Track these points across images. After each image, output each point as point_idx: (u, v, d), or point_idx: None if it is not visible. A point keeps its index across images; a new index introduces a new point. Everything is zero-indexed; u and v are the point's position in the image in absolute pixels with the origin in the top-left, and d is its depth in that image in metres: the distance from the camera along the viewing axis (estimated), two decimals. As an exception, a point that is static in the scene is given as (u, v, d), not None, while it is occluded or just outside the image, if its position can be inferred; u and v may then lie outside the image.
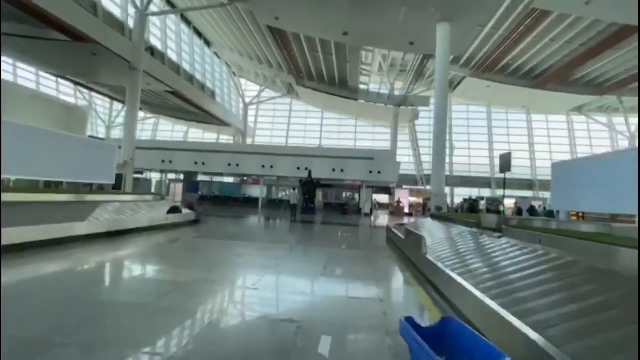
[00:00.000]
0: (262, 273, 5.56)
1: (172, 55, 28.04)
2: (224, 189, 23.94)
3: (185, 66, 30.14)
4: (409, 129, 37.13)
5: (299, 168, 20.25)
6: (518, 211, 14.03)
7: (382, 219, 20.89)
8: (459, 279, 3.73)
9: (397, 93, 32.28)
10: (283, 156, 20.89)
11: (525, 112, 37.76)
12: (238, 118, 37.41)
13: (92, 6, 17.82)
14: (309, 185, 18.49)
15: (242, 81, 38.89)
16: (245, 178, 26.57)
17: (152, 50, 24.23)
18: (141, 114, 40.63)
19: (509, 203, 24.74)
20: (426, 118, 38.12)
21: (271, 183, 25.37)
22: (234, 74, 38.08)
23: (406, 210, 24.13)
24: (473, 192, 33.06)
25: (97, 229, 7.48)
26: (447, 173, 21.36)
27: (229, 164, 20.86)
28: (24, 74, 30.72)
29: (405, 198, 24.81)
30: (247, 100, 36.66)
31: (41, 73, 31.72)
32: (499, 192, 34.69)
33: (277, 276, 5.52)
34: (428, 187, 34.44)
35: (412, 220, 20.39)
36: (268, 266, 6.06)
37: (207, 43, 33.97)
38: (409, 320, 2.34)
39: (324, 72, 30.10)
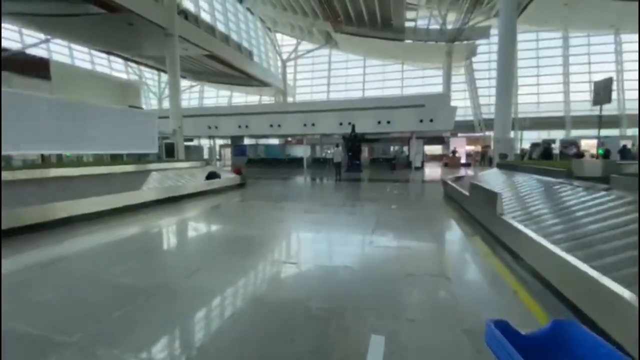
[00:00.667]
0: (297, 252, 4.91)
1: (205, 17, 27.12)
2: (269, 151, 23.78)
3: (220, 27, 29.14)
4: (465, 67, 32.84)
5: (341, 124, 18.98)
6: (605, 154, 11.52)
7: (436, 172, 19.19)
8: (568, 257, 2.61)
9: (449, 27, 28.13)
10: (324, 112, 19.67)
11: (613, 33, 30.90)
12: (277, 77, 36.21)
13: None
14: (352, 141, 17.29)
15: (278, 36, 36.98)
16: (289, 139, 26.12)
17: (185, 14, 23.51)
18: (186, 83, 41.56)
19: (590, 145, 21.08)
20: (485, 53, 33.31)
21: (314, 142, 24.58)
22: (268, 29, 36.22)
23: (463, 161, 21.89)
24: (542, 135, 28.95)
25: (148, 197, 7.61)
26: (512, 115, 18.43)
27: (271, 125, 20.30)
28: (78, 55, 32.46)
29: (462, 147, 22.39)
30: (284, 56, 34.96)
31: (93, 52, 33.30)
32: (575, 133, 30.02)
33: (315, 252, 4.73)
34: (488, 133, 30.99)
35: (470, 171, 18.40)
36: (304, 239, 5.41)
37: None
38: (501, 325, 1.46)
39: (363, 12, 27.01)
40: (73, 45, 31.06)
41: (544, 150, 13.06)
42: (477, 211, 5.45)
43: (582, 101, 31.58)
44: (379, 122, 18.67)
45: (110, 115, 9.54)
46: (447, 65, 30.97)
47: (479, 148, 26.64)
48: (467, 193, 6.32)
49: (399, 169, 19.48)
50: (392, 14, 26.84)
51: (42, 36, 25.49)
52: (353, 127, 17.62)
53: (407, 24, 29.12)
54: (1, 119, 7.22)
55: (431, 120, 18.08)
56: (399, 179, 14.20)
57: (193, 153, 26.67)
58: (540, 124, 30.86)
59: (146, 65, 34.73)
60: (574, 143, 21.31)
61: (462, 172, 18.27)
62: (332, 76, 36.71)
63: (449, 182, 8.46)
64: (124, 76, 37.76)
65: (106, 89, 33.42)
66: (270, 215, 6.88)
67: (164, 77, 41.23)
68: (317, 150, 24.04)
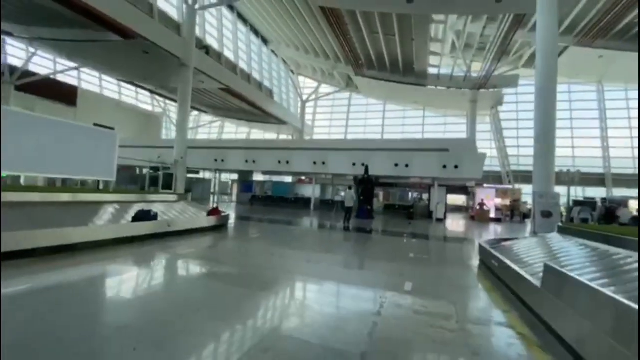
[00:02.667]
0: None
1: (229, 55, 27.16)
2: (276, 189, 21.83)
3: (243, 65, 29.13)
4: (491, 116, 30.75)
5: (354, 164, 16.87)
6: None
7: (460, 226, 16.26)
8: None
9: (474, 75, 26.61)
10: (336, 151, 17.73)
11: (654, 86, 28.27)
12: (296, 117, 35.52)
13: (141, 3, 17.08)
14: (365, 184, 14.99)
15: (301, 79, 36.92)
16: (302, 177, 24.22)
17: (207, 49, 23.36)
18: (208, 118, 41.89)
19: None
20: (512, 103, 31.34)
21: (325, 182, 22.50)
22: (292, 72, 36.34)
23: (492, 215, 18.85)
24: (578, 192, 25.62)
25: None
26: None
27: (279, 162, 18.50)
28: (107, 86, 33.24)
29: (491, 199, 19.49)
30: (305, 97, 34.42)
31: (122, 85, 34.11)
32: (618, 192, 26.44)
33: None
34: (517, 186, 27.83)
35: (501, 228, 15.34)
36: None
37: (265, 42, 32.70)
38: None
39: (385, 56, 26.12)
40: (104, 77, 31.83)
41: (607, 212, 10.15)
42: (567, 324, 2.85)
43: (622, 158, 28.38)
44: (396, 165, 16.39)
45: (59, 129, 7.80)
46: (472, 112, 29.04)
47: (507, 201, 23.47)
48: (534, 281, 3.71)
49: (417, 219, 16.73)
50: (414, 58, 25.77)
51: (68, 64, 26.02)
52: (366, 168, 15.41)
53: (430, 71, 27.91)
54: (1, 138, 6.24)
55: (456, 167, 15.61)
56: (416, 232, 11.51)
57: (198, 186, 25.14)
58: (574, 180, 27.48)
59: (172, 99, 35.28)
60: (621, 203, 17.95)
61: (492, 228, 15.27)
62: (351, 119, 35.58)
63: (490, 250, 5.82)
64: (149, 108, 38.47)
65: (129, 118, 33.69)
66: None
67: (192, 112, 41.95)
68: (328, 191, 21.79)
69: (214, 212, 8.71)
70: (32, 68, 25.35)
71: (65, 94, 28.21)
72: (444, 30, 25.46)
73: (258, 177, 24.76)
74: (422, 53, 24.95)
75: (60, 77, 28.57)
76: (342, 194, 12.50)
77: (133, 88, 34.78)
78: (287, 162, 18.49)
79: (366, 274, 5.78)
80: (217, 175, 22.29)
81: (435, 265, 6.40)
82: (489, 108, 30.59)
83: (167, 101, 36.89)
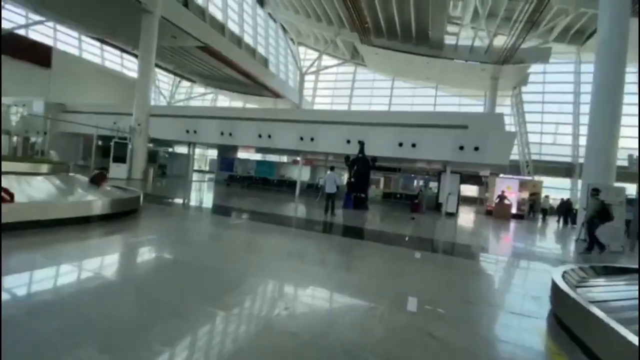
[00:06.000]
0: None
1: (215, 12, 23.26)
2: (260, 169, 18.50)
3: (233, 27, 25.24)
4: (512, 97, 26.59)
5: (349, 141, 13.39)
6: None
7: (477, 224, 12.84)
8: None
9: (497, 47, 22.40)
10: (328, 124, 14.21)
11: None
12: (295, 91, 31.73)
13: None
14: (359, 165, 11.53)
15: (302, 50, 32.81)
16: (297, 158, 20.73)
17: (185, 1, 19.56)
18: (201, 89, 38.22)
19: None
20: (537, 83, 27.06)
21: (316, 162, 19.10)
22: (291, 41, 32.22)
23: (514, 210, 15.33)
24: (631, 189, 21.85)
25: None
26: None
27: (260, 135, 15.10)
28: (88, 48, 29.66)
29: (513, 192, 15.90)
30: (304, 68, 30.45)
31: (105, 48, 30.52)
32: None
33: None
34: (535, 178, 24.10)
35: (524, 229, 11.91)
36: None
37: (261, 2, 28.54)
38: None
39: (395, 20, 22.01)
40: (84, 39, 28.22)
41: None
42: None
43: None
44: (400, 145, 12.85)
45: None
46: (492, 92, 25.01)
47: (525, 195, 19.72)
48: None
49: (422, 210, 13.32)
50: (430, 24, 21.60)
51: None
52: (361, 145, 11.90)
53: (447, 41, 23.72)
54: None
55: (476, 149, 12.03)
56: (422, 235, 8.15)
57: (177, 162, 21.94)
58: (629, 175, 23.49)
59: (162, 67, 31.75)
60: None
61: (521, 229, 11.83)
62: (355, 95, 31.61)
63: (582, 304, 2.51)
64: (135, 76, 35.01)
65: (110, 84, 30.12)
66: None
67: (184, 83, 38.40)
68: (318, 172, 18.33)
69: (98, 180, 5.38)
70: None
71: (38, 54, 24.78)
72: (466, -8, 21.19)
73: (243, 154, 21.42)
74: (439, 16, 20.78)
75: (36, 37, 25.14)
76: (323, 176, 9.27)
77: (118, 53, 31.28)
78: (269, 137, 15.05)
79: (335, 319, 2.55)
80: (192, 149, 18.95)
81: (465, 324, 3.05)
82: (510, 88, 26.41)
83: (158, 70, 33.46)
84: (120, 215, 5.64)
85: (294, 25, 29.92)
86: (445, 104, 29.02)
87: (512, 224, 12.98)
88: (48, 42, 26.05)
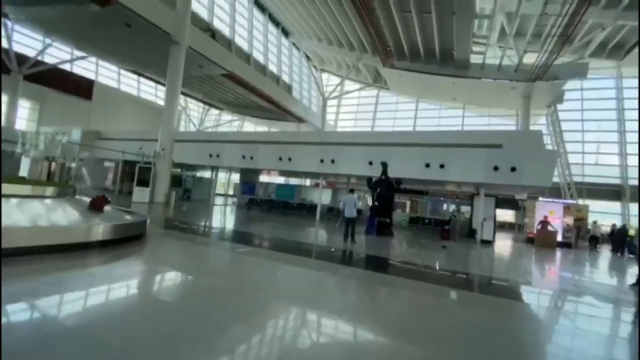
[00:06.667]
0: None
1: (241, 44, 24.25)
2: (280, 192, 18.11)
3: (258, 57, 26.13)
4: (547, 116, 24.93)
5: (371, 163, 12.69)
6: None
7: (520, 253, 11.38)
8: None
9: (528, 64, 21.29)
10: (350, 146, 13.65)
11: None
12: (318, 116, 31.91)
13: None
14: (382, 187, 10.70)
15: (324, 77, 33.27)
16: (323, 181, 20.16)
17: (212, 33, 20.51)
18: (228, 117, 39.58)
19: None
20: (574, 100, 25.33)
21: (338, 185, 18.43)
22: (314, 68, 32.86)
23: (559, 238, 13.57)
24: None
25: None
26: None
27: (280, 158, 14.80)
28: (126, 81, 31.81)
29: (557, 218, 14.18)
30: (327, 93, 30.65)
31: (142, 80, 32.66)
32: None
33: None
34: (580, 202, 21.85)
35: (571, 261, 10.35)
36: None
37: (285, 33, 29.59)
38: None
39: (418, 41, 21.70)
40: (122, 72, 30.39)
41: None
42: None
43: None
44: (427, 166, 11.94)
45: None
46: (524, 111, 23.61)
47: (570, 220, 17.68)
48: None
49: (454, 239, 12.07)
50: (454, 43, 21.08)
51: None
52: (384, 166, 11.13)
53: (473, 60, 22.97)
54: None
55: (513, 170, 10.86)
56: (457, 268, 7.08)
57: (200, 186, 22.13)
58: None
59: (192, 97, 33.45)
60: None
61: (563, 257, 10.28)
62: (378, 118, 31.19)
63: None
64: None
65: (146, 114, 31.84)
66: None
67: (213, 110, 40.06)
68: (339, 195, 17.59)
69: (98, 203, 4.98)
70: (46, 59, 24.16)
71: (81, 87, 26.86)
72: (492, 11, 20.60)
73: (265, 177, 21.24)
74: (463, 36, 20.23)
75: (78, 71, 27.38)
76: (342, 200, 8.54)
77: (152, 84, 33.34)
78: (289, 159, 14.69)
79: None
80: (215, 173, 19.01)
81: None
82: (544, 106, 24.85)
83: (188, 98, 35.20)
84: (124, 240, 5.21)
85: (317, 53, 30.56)
86: (474, 124, 27.77)
87: (561, 254, 11.36)
88: (91, 76, 28.28)
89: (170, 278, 4.30)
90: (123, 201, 13.26)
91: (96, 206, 4.99)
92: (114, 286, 3.61)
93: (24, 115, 24.52)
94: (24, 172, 7.16)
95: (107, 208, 5.78)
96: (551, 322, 3.95)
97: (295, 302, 3.66)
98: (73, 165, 18.29)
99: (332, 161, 13.77)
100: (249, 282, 4.35)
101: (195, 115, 40.95)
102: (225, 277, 4.55)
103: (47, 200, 5.03)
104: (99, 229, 4.78)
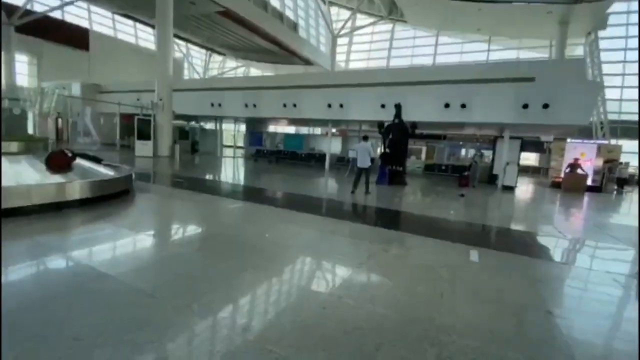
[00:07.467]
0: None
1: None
2: (288, 142, 17.20)
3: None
4: (587, 46, 21.84)
5: (383, 106, 11.43)
6: None
7: (545, 200, 10.48)
8: None
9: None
10: (360, 87, 12.26)
11: None
12: (327, 57, 29.34)
13: None
14: (395, 132, 9.63)
15: (333, 11, 29.83)
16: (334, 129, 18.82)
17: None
18: (232, 64, 37.26)
19: None
20: (618, 26, 21.82)
21: (349, 132, 17.28)
22: (322, 1, 29.33)
23: (589, 181, 12.46)
24: None
25: None
26: None
27: (284, 105, 13.67)
28: (123, 28, 29.71)
29: (588, 160, 12.88)
30: (337, 30, 27.72)
31: (138, 27, 30.42)
32: None
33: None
34: (615, 142, 20.03)
35: (597, 206, 9.42)
36: None
37: (287, -42, 25.87)
38: None
39: (441, -41, 18.41)
40: (117, 19, 28.18)
41: None
42: None
43: None
44: (447, 106, 10.62)
45: None
46: (560, 40, 20.62)
47: (599, 163, 16.19)
48: None
49: (473, 185, 11.21)
50: (484, -42, 17.75)
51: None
52: (398, 108, 9.94)
53: (504, -21, 19.56)
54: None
55: (545, 106, 9.45)
56: (477, 220, 6.31)
57: (206, 138, 21.44)
58: None
59: (194, 43, 31.26)
60: None
61: (594, 203, 9.38)
62: (393, 56, 28.41)
63: None
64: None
65: (147, 64, 30.19)
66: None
67: (216, 57, 37.71)
68: (353, 144, 16.61)
69: (57, 161, 4.30)
70: (35, 8, 22.34)
71: (76, 37, 25.26)
72: None
73: (273, 127, 20.23)
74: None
75: (71, 19, 25.52)
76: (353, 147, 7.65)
77: (151, 31, 31.06)
78: (294, 106, 13.54)
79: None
80: (218, 124, 18.15)
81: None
82: (584, 33, 21.62)
83: (189, 44, 32.96)
84: (107, 198, 4.71)
85: (324, -18, 27.03)
86: (500, 59, 24.87)
87: (591, 199, 10.41)
88: (85, 24, 26.40)
89: (148, 239, 3.78)
90: (127, 156, 12.86)
91: (53, 165, 4.28)
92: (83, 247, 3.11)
93: (23, 71, 23.63)
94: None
95: (86, 163, 5.19)
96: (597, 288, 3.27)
97: (305, 254, 3.09)
98: (78, 120, 17.71)
99: (341, 105, 12.57)
100: (234, 243, 3.79)
101: (198, 63, 38.81)
102: (214, 240, 4.01)
103: (12, 157, 4.44)
104: (71, 187, 4.21)
